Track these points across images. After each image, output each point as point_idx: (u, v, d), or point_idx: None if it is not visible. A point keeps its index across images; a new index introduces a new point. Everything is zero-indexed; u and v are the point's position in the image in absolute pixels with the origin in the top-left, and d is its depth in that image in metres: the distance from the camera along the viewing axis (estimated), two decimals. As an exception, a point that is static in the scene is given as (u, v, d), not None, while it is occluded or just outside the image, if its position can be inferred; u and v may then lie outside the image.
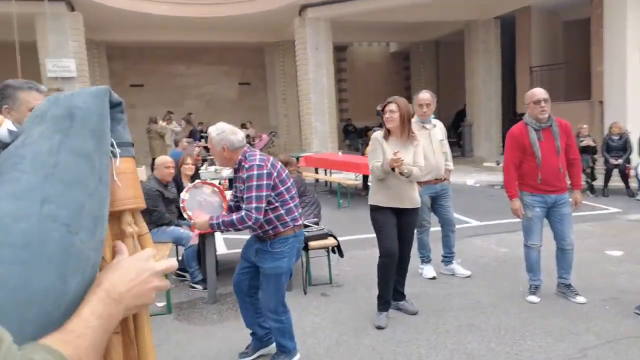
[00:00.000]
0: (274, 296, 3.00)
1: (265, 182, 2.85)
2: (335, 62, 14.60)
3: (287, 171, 3.10)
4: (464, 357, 3.17)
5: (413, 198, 3.68)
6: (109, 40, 15.63)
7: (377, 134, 3.72)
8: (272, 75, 17.83)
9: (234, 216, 2.86)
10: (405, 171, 3.50)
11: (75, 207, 0.70)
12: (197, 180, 3.20)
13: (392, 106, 3.62)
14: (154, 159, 6.78)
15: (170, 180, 4.83)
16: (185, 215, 2.97)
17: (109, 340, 0.77)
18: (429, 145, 4.35)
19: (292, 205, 3.01)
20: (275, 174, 2.92)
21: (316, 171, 11.13)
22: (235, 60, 18.85)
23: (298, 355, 3.19)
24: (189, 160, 5.22)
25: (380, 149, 3.62)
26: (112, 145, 0.83)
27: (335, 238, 4.55)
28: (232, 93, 19.34)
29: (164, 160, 4.76)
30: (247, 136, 12.94)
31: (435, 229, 4.81)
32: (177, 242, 4.64)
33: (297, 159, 10.89)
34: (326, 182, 10.87)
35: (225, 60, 18.77)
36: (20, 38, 10.17)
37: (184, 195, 3.01)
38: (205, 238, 4.24)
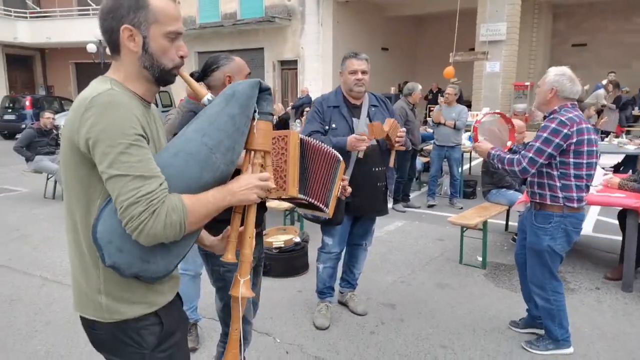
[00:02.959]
0: (537, 271, 2.81)
1: (557, 140, 2.60)
2: None
3: (595, 148, 2.66)
4: None
5: None
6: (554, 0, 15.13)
7: None
8: None
9: (508, 155, 2.79)
10: None
11: (217, 140, 1.26)
12: (496, 110, 3.24)
13: None
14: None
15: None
16: (471, 135, 3.12)
17: (234, 215, 1.42)
18: None
19: (572, 183, 2.64)
20: (574, 141, 2.60)
21: None
22: None
23: (570, 349, 2.84)
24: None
25: None
26: (255, 112, 1.36)
27: None
28: None
29: (519, 124, 4.71)
30: None
31: None
32: (512, 205, 4.62)
33: None
34: None
35: None
36: (461, 6, 11.52)
37: (481, 117, 3.16)
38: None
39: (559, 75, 2.73)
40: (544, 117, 2.83)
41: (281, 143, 1.87)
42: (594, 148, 2.68)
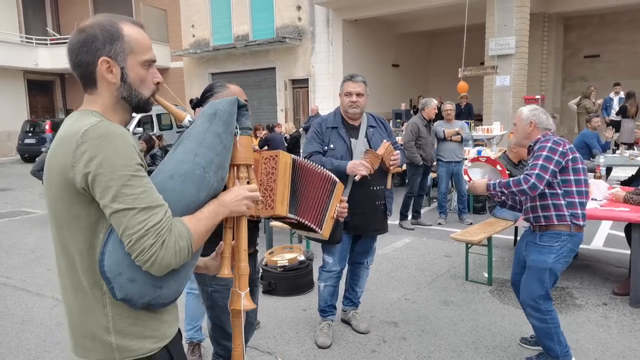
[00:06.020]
0: (534, 290, 2.78)
1: (556, 157, 2.68)
2: None
3: (584, 165, 2.74)
4: None
5: None
6: (566, 11, 15.06)
7: None
8: None
9: (512, 178, 2.81)
10: None
11: (209, 159, 1.29)
12: (480, 155, 3.27)
13: None
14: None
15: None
16: (465, 178, 3.15)
17: (225, 230, 1.44)
18: None
19: (576, 200, 2.69)
20: (570, 158, 2.72)
21: None
22: None
23: (572, 364, 2.81)
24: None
25: None
26: (236, 128, 1.39)
27: None
28: None
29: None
30: None
31: None
32: (517, 220, 4.59)
33: None
34: None
35: None
36: (469, 22, 11.58)
37: (467, 164, 3.22)
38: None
39: (533, 110, 2.90)
40: (530, 147, 2.88)
41: (271, 162, 1.93)
42: (584, 165, 2.80)
